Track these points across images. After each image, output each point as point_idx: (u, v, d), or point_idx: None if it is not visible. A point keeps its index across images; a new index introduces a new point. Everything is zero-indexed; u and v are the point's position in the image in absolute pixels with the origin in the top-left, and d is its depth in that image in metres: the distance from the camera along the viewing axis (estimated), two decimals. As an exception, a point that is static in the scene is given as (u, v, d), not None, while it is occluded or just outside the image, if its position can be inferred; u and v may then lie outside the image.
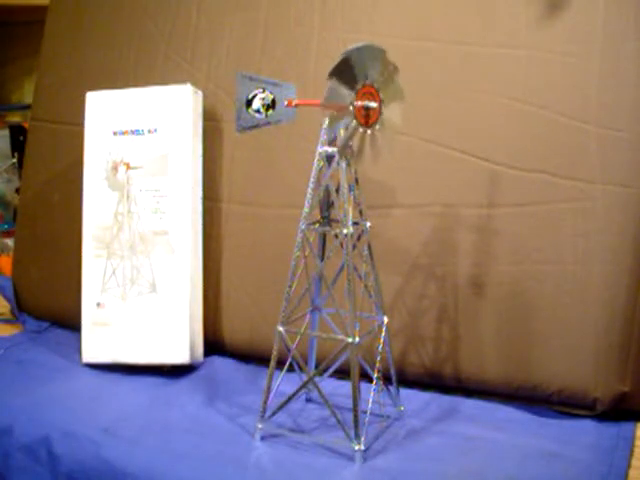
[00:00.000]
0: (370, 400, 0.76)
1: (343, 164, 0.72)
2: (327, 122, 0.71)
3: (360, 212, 0.78)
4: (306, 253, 0.78)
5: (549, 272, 0.85)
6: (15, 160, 1.56)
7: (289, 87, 0.76)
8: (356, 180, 0.76)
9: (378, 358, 0.79)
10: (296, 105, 0.76)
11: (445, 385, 0.90)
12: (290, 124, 0.77)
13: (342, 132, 0.71)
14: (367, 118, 0.71)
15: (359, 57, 0.68)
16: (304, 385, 0.78)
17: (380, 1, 0.95)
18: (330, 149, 0.73)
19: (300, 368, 0.80)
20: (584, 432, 0.79)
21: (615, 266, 0.82)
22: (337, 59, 0.67)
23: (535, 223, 0.86)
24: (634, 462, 0.74)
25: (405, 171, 0.92)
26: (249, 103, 0.75)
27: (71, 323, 1.08)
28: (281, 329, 0.76)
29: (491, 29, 0.89)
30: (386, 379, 0.81)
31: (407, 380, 0.90)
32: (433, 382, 0.91)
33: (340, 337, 0.74)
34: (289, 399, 0.77)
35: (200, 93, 1.02)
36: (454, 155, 0.90)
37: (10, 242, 1.40)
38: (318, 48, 0.98)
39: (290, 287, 0.76)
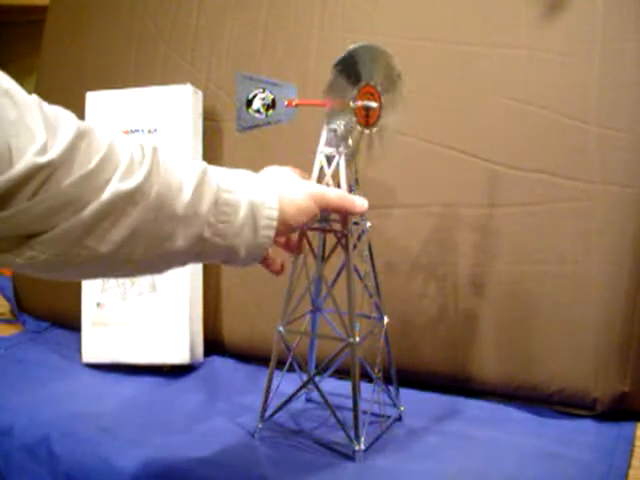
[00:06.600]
0: (370, 400, 0.76)
1: (343, 164, 0.72)
2: (326, 115, 0.71)
3: (360, 212, 0.78)
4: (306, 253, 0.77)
5: (549, 272, 0.85)
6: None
7: (289, 87, 0.76)
8: (356, 180, 0.76)
9: (378, 358, 0.79)
10: (296, 105, 0.76)
11: (445, 385, 0.90)
12: (290, 124, 0.77)
13: (341, 126, 0.71)
14: (367, 118, 0.71)
15: (365, 55, 0.68)
16: (304, 385, 0.78)
17: (380, 1, 0.95)
18: (330, 149, 0.73)
19: (300, 368, 0.80)
20: (584, 432, 0.79)
21: (615, 266, 0.82)
22: (344, 52, 0.67)
23: (535, 223, 0.86)
24: (634, 462, 0.74)
25: (405, 171, 0.92)
26: (249, 103, 0.75)
27: (71, 323, 1.08)
28: (281, 329, 0.76)
29: (491, 29, 0.89)
30: (386, 379, 0.81)
31: (407, 380, 0.90)
32: (433, 382, 0.91)
33: (340, 337, 0.74)
34: (289, 399, 0.77)
35: (200, 93, 1.02)
36: (454, 155, 0.90)
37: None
38: (318, 48, 0.98)
39: (290, 287, 0.76)
